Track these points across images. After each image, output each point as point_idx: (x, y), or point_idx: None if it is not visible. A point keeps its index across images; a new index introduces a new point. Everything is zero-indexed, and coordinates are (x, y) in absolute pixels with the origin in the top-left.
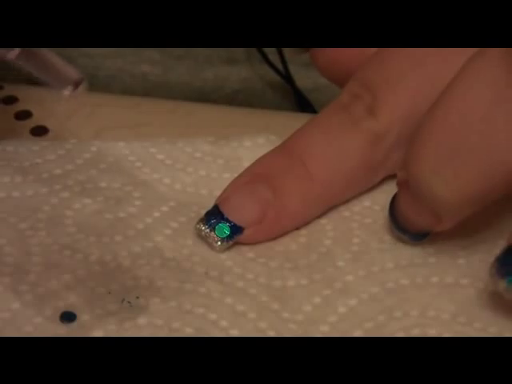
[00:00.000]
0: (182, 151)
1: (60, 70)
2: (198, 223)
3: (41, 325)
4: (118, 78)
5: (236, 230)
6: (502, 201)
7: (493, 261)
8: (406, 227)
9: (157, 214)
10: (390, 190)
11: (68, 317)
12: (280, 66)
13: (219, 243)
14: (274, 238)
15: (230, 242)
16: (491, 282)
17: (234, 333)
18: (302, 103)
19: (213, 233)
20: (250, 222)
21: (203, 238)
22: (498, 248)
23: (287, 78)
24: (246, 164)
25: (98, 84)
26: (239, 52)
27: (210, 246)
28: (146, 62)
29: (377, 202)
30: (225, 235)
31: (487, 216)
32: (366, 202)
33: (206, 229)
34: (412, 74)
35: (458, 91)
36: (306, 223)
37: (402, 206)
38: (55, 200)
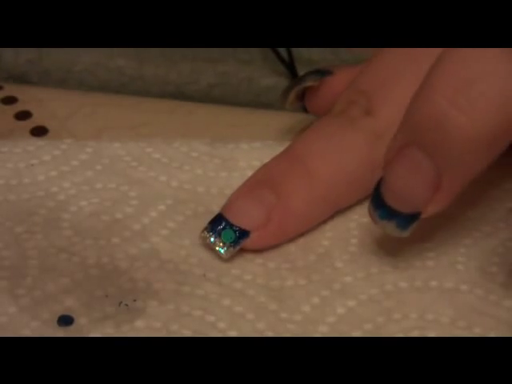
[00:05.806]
0: (178, 151)
1: None
2: (202, 232)
3: (38, 329)
4: (93, 72)
5: (242, 234)
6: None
7: None
8: (397, 207)
9: (153, 214)
10: None
11: (65, 320)
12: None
13: (226, 249)
14: (279, 244)
15: (237, 247)
16: None
17: (233, 334)
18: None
19: (218, 239)
20: (255, 224)
21: (209, 246)
22: (495, 255)
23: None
24: (243, 164)
25: (73, 78)
26: (215, 50)
27: (217, 253)
28: (122, 55)
29: None
30: (231, 240)
31: (484, 224)
32: (365, 201)
33: (210, 236)
34: (406, 72)
35: None
36: (312, 226)
37: (395, 179)
38: (51, 203)
